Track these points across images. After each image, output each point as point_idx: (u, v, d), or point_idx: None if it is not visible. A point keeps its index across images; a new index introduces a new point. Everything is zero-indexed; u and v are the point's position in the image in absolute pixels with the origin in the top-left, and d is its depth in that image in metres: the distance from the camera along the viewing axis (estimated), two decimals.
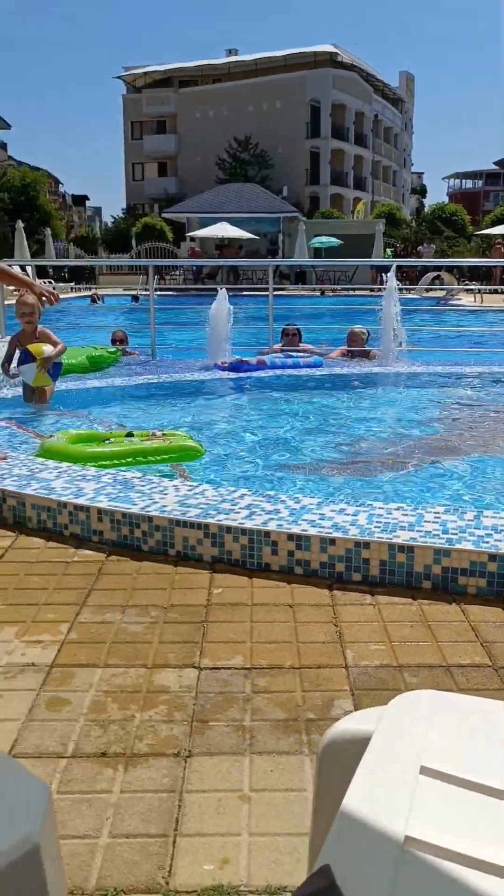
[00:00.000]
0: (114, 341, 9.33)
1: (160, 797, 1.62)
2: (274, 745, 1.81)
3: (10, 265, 5.32)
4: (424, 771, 0.80)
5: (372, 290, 22.21)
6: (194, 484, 3.43)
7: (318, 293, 22.36)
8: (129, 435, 4.39)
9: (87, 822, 1.54)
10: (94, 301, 19.00)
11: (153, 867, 1.44)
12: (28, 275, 22.58)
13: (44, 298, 4.71)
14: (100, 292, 20.63)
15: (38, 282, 4.61)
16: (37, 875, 0.70)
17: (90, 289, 22.08)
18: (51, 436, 4.34)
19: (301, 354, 8.56)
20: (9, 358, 6.02)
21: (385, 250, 28.36)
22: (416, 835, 0.68)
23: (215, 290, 9.19)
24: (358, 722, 1.16)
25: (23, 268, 23.75)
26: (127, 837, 1.51)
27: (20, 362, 5.67)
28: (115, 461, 4.05)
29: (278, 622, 2.42)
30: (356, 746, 1.14)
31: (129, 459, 4.13)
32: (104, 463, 3.96)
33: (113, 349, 8.81)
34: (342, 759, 1.15)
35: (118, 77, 51.49)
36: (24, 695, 1.98)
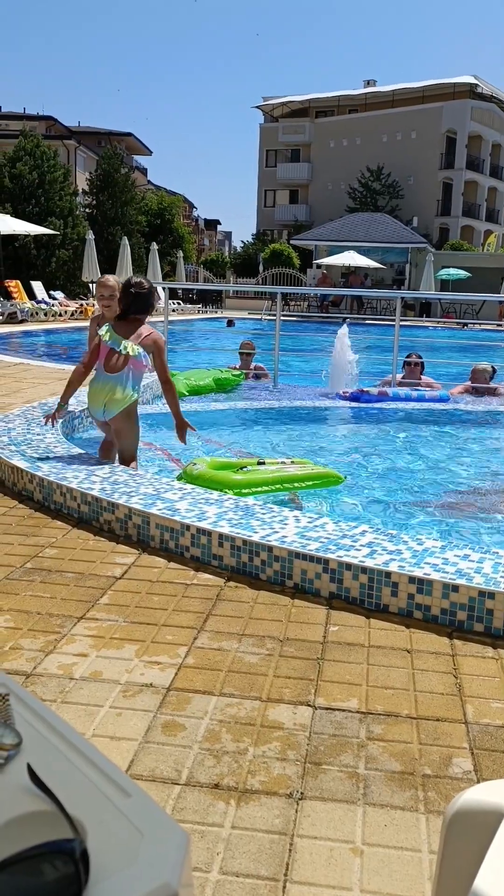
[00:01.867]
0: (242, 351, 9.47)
1: (271, 838, 1.60)
2: (388, 797, 1.75)
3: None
4: None
5: (500, 325, 21.64)
6: (314, 516, 3.41)
7: (458, 326, 22.05)
8: (261, 463, 4.44)
9: (199, 856, 1.53)
10: (229, 324, 19.46)
11: None
12: (159, 296, 23.26)
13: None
14: (229, 315, 21.19)
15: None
16: None
17: (217, 311, 22.59)
18: (194, 463, 4.38)
19: (427, 388, 8.42)
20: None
21: None
22: None
23: (339, 317, 9.18)
24: (489, 793, 1.11)
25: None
26: (237, 876, 1.50)
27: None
28: (266, 488, 4.10)
29: (395, 667, 2.36)
30: (487, 819, 1.09)
31: (278, 486, 4.17)
32: (255, 490, 4.02)
33: (238, 372, 8.94)
34: (471, 831, 1.09)
35: (257, 107, 52.78)
36: (142, 715, 2.01)
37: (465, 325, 22.47)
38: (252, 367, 9.35)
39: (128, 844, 0.73)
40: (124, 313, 4.33)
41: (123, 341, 4.24)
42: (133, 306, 4.30)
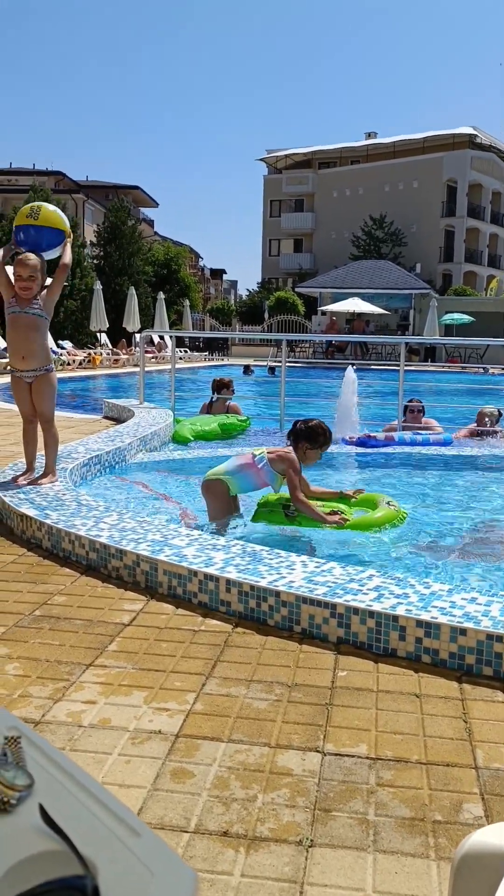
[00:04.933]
0: (220, 387, 9.13)
1: (281, 886, 1.59)
2: (399, 844, 1.74)
3: (150, 335, 5.39)
4: None
5: None
6: (322, 560, 3.43)
7: (480, 371, 22.28)
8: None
9: None
10: (246, 372, 19.19)
11: None
12: (166, 344, 23.53)
13: None
14: (236, 362, 21.20)
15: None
16: None
17: (223, 358, 22.76)
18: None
19: (431, 432, 8.47)
20: None
21: None
22: None
23: (345, 363, 9.28)
24: (497, 836, 1.12)
25: (161, 337, 24.93)
26: None
27: None
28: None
29: (404, 712, 2.35)
30: (495, 861, 1.10)
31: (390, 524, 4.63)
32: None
33: (244, 417, 8.99)
34: (480, 873, 1.10)
35: (261, 159, 54.03)
36: (151, 762, 2.01)
37: (486, 369, 22.68)
38: (226, 405, 9.10)
39: (138, 882, 0.75)
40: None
41: (263, 448, 4.80)
42: (295, 430, 4.72)
